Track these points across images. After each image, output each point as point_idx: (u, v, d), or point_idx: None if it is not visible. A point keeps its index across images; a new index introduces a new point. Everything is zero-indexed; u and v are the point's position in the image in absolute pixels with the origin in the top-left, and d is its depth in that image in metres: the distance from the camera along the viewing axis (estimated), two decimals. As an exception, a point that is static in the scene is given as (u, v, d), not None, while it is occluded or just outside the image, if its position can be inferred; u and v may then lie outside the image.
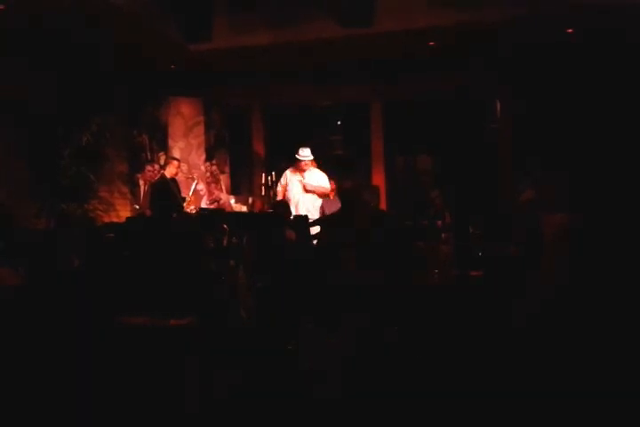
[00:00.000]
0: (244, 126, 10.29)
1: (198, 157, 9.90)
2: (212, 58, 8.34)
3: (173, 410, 3.49)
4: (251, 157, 10.25)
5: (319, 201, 7.83)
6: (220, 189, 9.43)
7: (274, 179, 8.50)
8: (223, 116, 10.26)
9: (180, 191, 8.21)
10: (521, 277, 4.81)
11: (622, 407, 3.34)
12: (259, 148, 10.25)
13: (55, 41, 7.52)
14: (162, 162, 9.20)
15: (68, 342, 3.77)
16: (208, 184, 9.38)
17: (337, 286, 4.69)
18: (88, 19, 6.88)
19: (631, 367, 3.76)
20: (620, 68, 7.91)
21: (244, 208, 9.09)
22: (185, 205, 8.03)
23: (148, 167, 8.89)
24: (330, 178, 8.08)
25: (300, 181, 7.86)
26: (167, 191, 7.79)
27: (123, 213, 9.10)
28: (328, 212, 7.88)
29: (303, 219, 6.58)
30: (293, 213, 7.00)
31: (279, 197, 7.85)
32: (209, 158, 9.96)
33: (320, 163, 8.23)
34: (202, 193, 9.42)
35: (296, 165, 7.89)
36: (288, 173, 8.00)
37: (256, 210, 8.94)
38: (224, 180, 9.99)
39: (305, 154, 7.82)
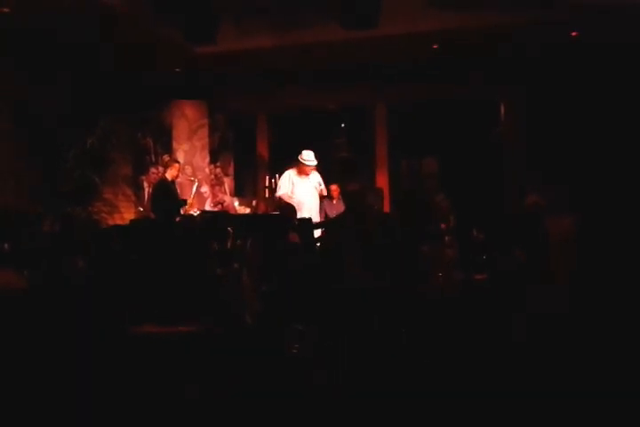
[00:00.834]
0: (248, 129, 10.30)
1: (202, 160, 9.90)
2: (216, 61, 8.35)
3: (174, 411, 3.48)
4: (255, 159, 10.25)
5: (318, 203, 7.85)
6: (224, 192, 9.44)
7: (277, 181, 8.48)
8: (227, 118, 10.27)
9: (178, 194, 8.11)
10: (523, 287, 4.79)
11: (622, 408, 3.34)
12: (263, 150, 10.25)
13: (61, 44, 7.54)
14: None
15: (71, 347, 3.76)
16: (212, 187, 9.39)
17: (341, 288, 4.69)
18: (90, 21, 6.89)
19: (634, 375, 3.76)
20: (624, 68, 7.90)
21: (248, 210, 9.08)
22: (186, 207, 7.88)
23: (153, 170, 8.92)
24: (333, 181, 8.08)
25: (317, 188, 7.80)
26: (168, 194, 7.74)
27: (127, 215, 9.12)
28: (330, 214, 7.91)
29: (308, 222, 6.57)
30: (302, 214, 6.98)
31: (285, 200, 7.74)
32: (213, 161, 9.97)
33: (323, 165, 8.21)
34: (206, 195, 9.44)
35: (300, 169, 7.83)
36: (293, 176, 7.92)
37: (260, 212, 8.93)
38: (228, 182, 10.01)
39: (311, 158, 7.76)
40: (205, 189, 9.36)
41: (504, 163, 9.07)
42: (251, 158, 10.30)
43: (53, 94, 8.09)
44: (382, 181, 9.60)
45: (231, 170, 10.28)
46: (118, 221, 8.71)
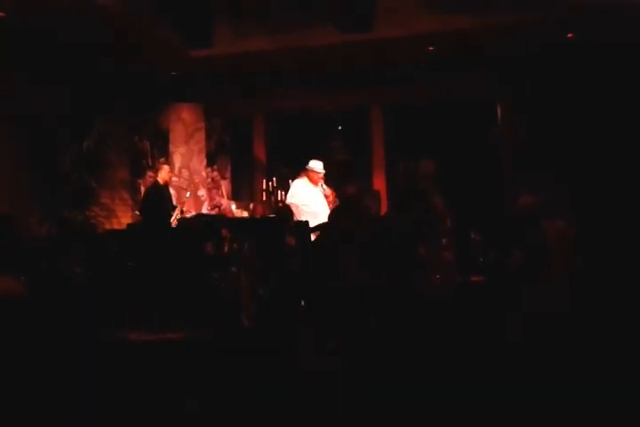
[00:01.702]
0: (244, 132, 10.30)
1: (199, 163, 9.90)
2: (212, 64, 8.35)
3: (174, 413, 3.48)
4: (252, 162, 10.25)
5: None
6: (221, 195, 9.44)
7: (275, 184, 8.45)
8: (224, 121, 10.27)
9: (171, 199, 8.01)
10: (518, 288, 4.79)
11: (621, 408, 3.34)
12: (259, 153, 10.26)
13: (57, 48, 7.54)
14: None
15: (68, 352, 3.75)
16: (209, 190, 9.38)
17: (337, 287, 4.68)
18: (86, 23, 6.89)
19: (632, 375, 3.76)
20: (623, 68, 7.91)
21: (245, 214, 9.07)
22: (175, 213, 7.64)
23: (150, 173, 8.90)
24: (331, 183, 8.04)
25: (329, 196, 7.61)
26: (159, 197, 7.61)
27: (124, 219, 9.10)
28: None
29: (304, 225, 6.55)
30: (316, 223, 6.81)
31: (297, 218, 6.89)
32: (210, 164, 9.97)
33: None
34: (203, 199, 9.43)
35: (311, 178, 7.55)
36: (306, 186, 7.43)
37: (257, 215, 8.92)
38: (225, 185, 10.01)
39: (321, 167, 7.57)
40: (202, 192, 9.35)
41: (501, 164, 9.08)
42: (248, 161, 10.31)
43: (53, 94, 8.07)
44: (379, 183, 9.60)
45: (228, 173, 10.28)
46: (115, 225, 8.70)
